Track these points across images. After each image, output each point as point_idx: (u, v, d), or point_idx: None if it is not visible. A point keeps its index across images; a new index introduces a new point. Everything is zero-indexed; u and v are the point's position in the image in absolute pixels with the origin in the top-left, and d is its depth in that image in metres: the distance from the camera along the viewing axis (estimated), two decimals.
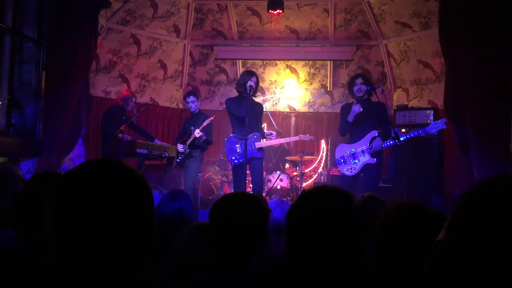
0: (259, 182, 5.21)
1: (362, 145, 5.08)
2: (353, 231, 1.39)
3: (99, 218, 0.92)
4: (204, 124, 6.04)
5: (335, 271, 1.34)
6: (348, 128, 5.16)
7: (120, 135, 5.82)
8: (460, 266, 0.77)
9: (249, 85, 5.10)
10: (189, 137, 6.11)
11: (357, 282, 1.37)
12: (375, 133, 5.02)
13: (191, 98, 6.18)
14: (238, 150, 5.22)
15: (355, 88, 5.10)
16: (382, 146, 4.96)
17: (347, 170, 5.16)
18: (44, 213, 0.96)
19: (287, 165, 7.72)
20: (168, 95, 8.87)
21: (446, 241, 0.83)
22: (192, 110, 6.23)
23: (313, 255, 1.36)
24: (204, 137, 6.00)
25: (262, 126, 5.51)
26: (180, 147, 6.16)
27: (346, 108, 5.31)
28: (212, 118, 6.13)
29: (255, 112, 5.31)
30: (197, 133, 5.95)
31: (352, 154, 5.14)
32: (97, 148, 7.41)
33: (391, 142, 4.93)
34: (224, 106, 5.30)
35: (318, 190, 1.47)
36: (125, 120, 6.11)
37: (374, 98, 5.18)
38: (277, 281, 1.40)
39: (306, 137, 5.92)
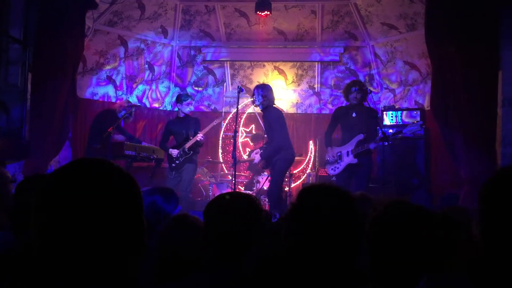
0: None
1: (348, 148, 5.37)
2: (352, 230, 1.39)
3: (87, 218, 0.89)
4: (215, 123, 6.14)
5: (333, 271, 1.35)
6: (329, 142, 5.60)
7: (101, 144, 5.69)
8: (493, 252, 0.79)
9: None
10: (187, 140, 5.93)
11: (354, 282, 1.38)
12: (361, 136, 5.29)
13: (189, 100, 6.11)
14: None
15: (352, 96, 5.40)
16: (365, 147, 5.18)
17: (332, 170, 5.53)
18: (30, 214, 0.93)
19: None
20: (156, 97, 8.83)
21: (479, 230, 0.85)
22: (186, 112, 6.06)
23: (310, 254, 1.36)
24: (203, 141, 5.97)
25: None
26: (174, 152, 5.93)
27: (338, 113, 5.63)
28: (222, 118, 6.41)
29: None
30: (201, 136, 5.85)
31: (338, 155, 5.45)
32: (84, 151, 7.33)
33: (376, 144, 5.14)
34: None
35: (317, 189, 1.46)
36: (112, 123, 6.03)
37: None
38: (273, 281, 1.40)
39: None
